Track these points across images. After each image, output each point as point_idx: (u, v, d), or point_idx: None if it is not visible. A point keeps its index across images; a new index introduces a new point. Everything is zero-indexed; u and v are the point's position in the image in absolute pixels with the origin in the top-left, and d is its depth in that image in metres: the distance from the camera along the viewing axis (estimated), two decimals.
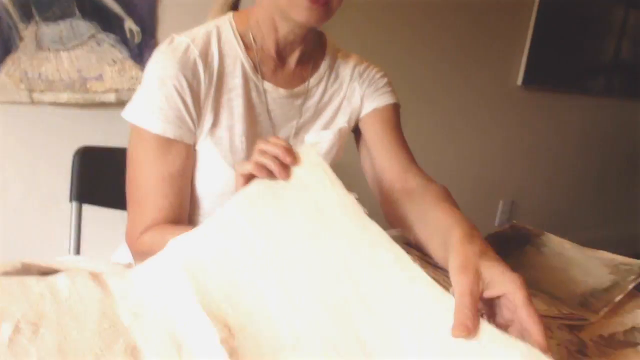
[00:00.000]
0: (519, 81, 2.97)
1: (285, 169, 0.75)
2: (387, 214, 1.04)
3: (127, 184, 1.00)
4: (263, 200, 0.76)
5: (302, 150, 0.78)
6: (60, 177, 1.68)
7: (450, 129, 2.87)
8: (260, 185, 0.77)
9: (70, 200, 1.36)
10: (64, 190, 1.41)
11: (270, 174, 0.76)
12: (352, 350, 0.61)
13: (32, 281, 0.66)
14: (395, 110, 1.15)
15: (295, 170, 0.77)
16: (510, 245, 1.02)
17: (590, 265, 0.91)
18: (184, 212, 1.01)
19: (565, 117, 3.27)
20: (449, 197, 0.95)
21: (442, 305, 0.61)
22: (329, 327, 0.64)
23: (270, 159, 0.75)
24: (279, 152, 0.75)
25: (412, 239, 0.89)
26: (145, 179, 0.96)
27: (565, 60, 3.09)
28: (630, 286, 0.83)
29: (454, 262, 0.64)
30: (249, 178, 0.78)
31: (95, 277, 0.70)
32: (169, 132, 0.94)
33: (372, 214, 0.78)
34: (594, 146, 3.48)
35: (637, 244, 3.26)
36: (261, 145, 0.77)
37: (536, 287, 0.86)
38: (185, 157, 0.98)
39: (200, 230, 0.75)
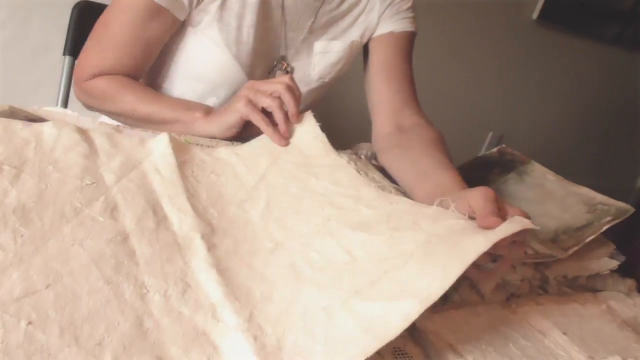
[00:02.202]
0: (535, 15, 2.89)
1: (286, 138, 0.85)
2: (377, 142, 1.04)
3: (98, 22, 0.96)
4: (260, 154, 0.81)
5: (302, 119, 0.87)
6: (55, 28, 1.64)
7: (455, 54, 2.81)
8: (259, 143, 0.84)
9: (64, 53, 1.33)
10: (58, 43, 1.37)
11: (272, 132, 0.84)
12: (333, 252, 0.62)
13: (18, 125, 0.66)
14: (411, 39, 1.11)
15: (293, 139, 0.86)
16: (494, 170, 1.03)
17: (569, 201, 0.92)
18: (142, 77, 1.01)
19: (573, 59, 3.21)
20: (441, 143, 0.94)
21: (427, 210, 0.66)
22: (310, 237, 0.66)
23: (281, 120, 0.84)
24: (282, 121, 0.84)
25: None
26: (120, 30, 0.93)
27: (585, 1, 3.00)
28: (604, 228, 0.84)
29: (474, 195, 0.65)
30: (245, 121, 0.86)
31: (83, 132, 0.69)
32: (163, 0, 0.91)
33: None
34: (597, 94, 3.45)
35: (625, 197, 3.31)
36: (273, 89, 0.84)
37: None
38: (167, 29, 0.95)
39: (197, 152, 0.78)
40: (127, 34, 0.93)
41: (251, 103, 0.84)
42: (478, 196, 0.64)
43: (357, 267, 0.58)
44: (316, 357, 0.49)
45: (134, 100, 0.92)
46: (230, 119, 0.85)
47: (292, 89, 0.84)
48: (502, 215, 0.61)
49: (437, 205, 0.67)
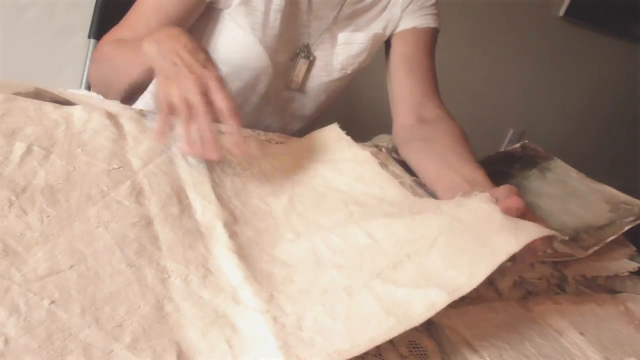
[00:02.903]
0: (562, 12, 2.85)
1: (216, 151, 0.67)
2: (398, 134, 1.04)
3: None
4: (286, 154, 0.83)
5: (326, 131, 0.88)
6: (81, 11, 1.65)
7: (479, 48, 2.78)
8: (286, 147, 0.86)
9: (89, 36, 1.34)
10: (83, 26, 1.38)
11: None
12: (354, 235, 0.62)
13: (48, 107, 0.67)
14: (434, 35, 1.11)
15: (317, 141, 0.87)
16: (515, 165, 1.02)
17: (591, 199, 0.91)
18: None
19: (599, 57, 3.17)
20: (465, 138, 0.94)
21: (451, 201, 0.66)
22: (331, 226, 0.66)
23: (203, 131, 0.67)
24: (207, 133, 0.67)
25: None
26: (142, 4, 0.94)
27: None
28: (626, 227, 0.82)
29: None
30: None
31: (112, 117, 0.71)
32: None
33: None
34: (621, 92, 3.39)
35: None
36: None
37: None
38: (191, 9, 0.95)
39: (224, 144, 0.77)
40: (151, 5, 0.93)
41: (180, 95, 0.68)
42: (503, 189, 0.66)
43: (378, 249, 0.59)
44: (336, 335, 0.49)
45: (110, 58, 0.91)
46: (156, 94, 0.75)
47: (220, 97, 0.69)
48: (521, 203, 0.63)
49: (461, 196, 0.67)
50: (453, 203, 0.64)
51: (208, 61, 0.72)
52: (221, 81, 0.69)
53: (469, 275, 0.51)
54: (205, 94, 0.67)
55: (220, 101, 0.67)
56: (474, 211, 0.60)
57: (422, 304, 0.50)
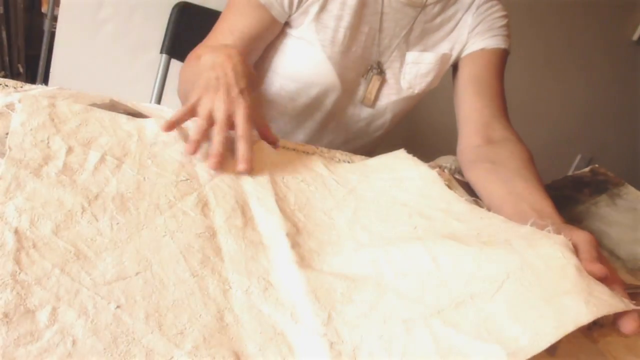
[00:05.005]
0: (635, 36, 2.77)
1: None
2: (464, 154, 1.02)
3: None
4: (351, 172, 0.83)
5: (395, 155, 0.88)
6: (154, 26, 1.70)
7: (549, 71, 2.73)
8: (351, 166, 0.86)
9: (161, 51, 1.39)
10: (155, 41, 1.43)
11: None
12: (418, 256, 0.61)
13: (122, 119, 0.70)
14: (503, 56, 1.09)
15: (383, 162, 0.86)
16: (584, 191, 0.99)
17: None
18: None
19: None
20: (532, 163, 0.92)
21: (520, 229, 0.65)
22: (395, 239, 0.65)
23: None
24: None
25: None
26: (220, 25, 0.99)
27: None
28: None
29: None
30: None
31: (182, 130, 0.73)
32: None
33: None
34: None
35: None
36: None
37: (599, 241, 0.84)
38: (264, 26, 0.99)
39: (290, 159, 0.80)
40: (226, 26, 0.98)
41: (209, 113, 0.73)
42: (583, 238, 0.63)
43: (441, 279, 0.57)
44: None
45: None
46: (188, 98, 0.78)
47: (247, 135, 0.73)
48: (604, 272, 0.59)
49: (531, 225, 0.65)
50: (523, 238, 0.61)
51: (246, 89, 0.77)
52: (249, 110, 0.74)
53: (532, 336, 0.49)
54: (230, 117, 0.73)
55: (240, 126, 0.73)
56: (547, 258, 0.57)
57: (479, 359, 0.48)
